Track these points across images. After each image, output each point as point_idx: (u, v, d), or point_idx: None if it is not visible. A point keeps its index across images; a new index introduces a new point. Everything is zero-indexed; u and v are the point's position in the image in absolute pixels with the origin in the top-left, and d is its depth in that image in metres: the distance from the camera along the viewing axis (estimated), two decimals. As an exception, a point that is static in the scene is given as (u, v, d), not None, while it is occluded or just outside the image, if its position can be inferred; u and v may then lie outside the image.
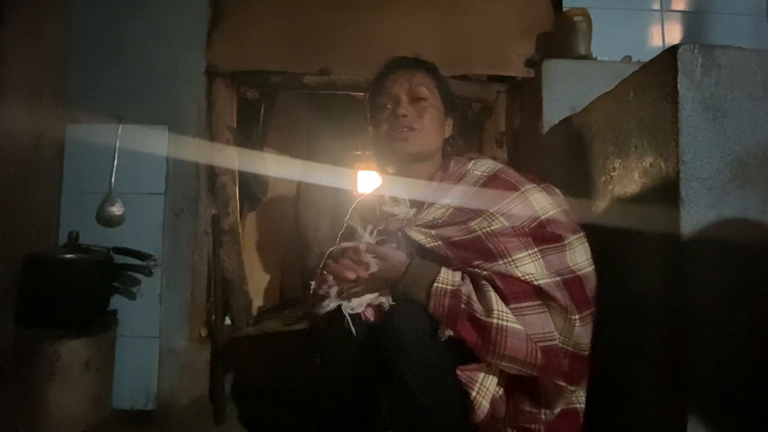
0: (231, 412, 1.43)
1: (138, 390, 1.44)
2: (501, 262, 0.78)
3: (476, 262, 0.79)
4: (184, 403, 1.45)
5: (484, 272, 0.78)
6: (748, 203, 0.72)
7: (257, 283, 1.84)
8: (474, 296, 0.76)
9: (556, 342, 0.75)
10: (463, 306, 0.75)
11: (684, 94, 0.73)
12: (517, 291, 0.76)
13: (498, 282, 0.76)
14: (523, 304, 0.75)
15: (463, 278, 0.79)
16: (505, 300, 0.75)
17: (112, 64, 1.53)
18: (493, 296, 0.75)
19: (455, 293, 0.76)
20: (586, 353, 0.78)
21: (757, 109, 0.74)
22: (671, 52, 0.75)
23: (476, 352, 0.75)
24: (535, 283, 0.76)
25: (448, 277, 0.78)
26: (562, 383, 0.74)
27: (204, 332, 1.53)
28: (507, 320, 0.73)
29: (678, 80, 0.73)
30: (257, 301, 1.83)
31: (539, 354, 0.73)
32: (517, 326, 0.73)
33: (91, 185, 1.48)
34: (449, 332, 0.75)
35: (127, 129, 1.49)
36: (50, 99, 1.46)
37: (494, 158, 1.10)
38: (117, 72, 1.52)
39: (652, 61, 0.81)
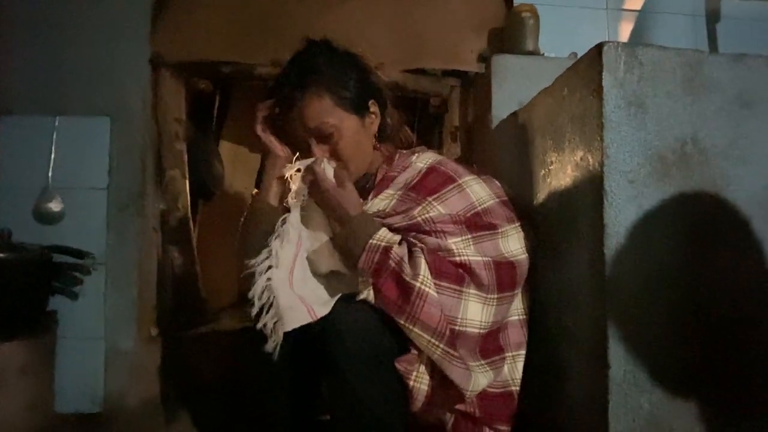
0: (183, 414, 1.40)
1: (83, 393, 1.38)
2: (435, 239, 0.81)
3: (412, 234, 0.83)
4: (133, 406, 1.41)
5: (420, 244, 0.81)
6: (665, 195, 0.76)
7: (213, 279, 1.80)
8: (406, 259, 0.79)
9: (457, 327, 0.78)
10: (392, 264, 0.78)
11: (608, 91, 0.76)
12: (442, 270, 0.79)
13: (426, 256, 0.79)
14: (442, 283, 0.78)
15: (400, 243, 0.82)
16: (430, 273, 0.78)
17: (48, 53, 1.43)
18: (423, 263, 0.78)
19: (387, 250, 0.79)
20: (485, 331, 0.81)
21: (676, 106, 0.78)
22: (597, 50, 0.77)
23: (392, 311, 0.77)
24: (464, 258, 0.79)
25: (385, 236, 0.82)
26: (461, 365, 0.77)
27: (154, 332, 1.48)
28: (429, 287, 0.77)
29: (603, 77, 0.76)
30: (213, 298, 1.79)
31: (448, 328, 0.76)
32: (436, 295, 0.77)
33: (27, 180, 1.39)
34: (370, 292, 0.78)
35: (65, 121, 1.41)
36: (-21, 88, 1.37)
37: (439, 152, 1.12)
38: (54, 61, 1.43)
39: (582, 58, 0.84)
